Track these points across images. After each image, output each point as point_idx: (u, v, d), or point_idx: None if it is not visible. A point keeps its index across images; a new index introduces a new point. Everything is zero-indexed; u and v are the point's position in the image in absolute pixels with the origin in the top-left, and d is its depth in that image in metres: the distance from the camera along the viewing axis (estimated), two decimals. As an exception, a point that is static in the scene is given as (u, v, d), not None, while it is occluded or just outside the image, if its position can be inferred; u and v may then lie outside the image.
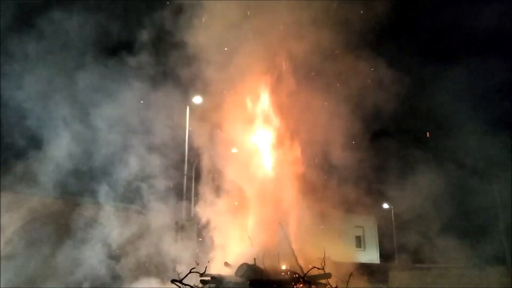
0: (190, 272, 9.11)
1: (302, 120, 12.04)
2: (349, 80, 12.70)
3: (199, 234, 12.13)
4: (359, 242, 26.98)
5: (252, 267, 9.82)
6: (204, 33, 11.60)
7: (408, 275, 16.12)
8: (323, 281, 9.81)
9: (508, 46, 18.12)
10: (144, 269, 11.97)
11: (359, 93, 12.72)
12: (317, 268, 9.66)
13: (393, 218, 27.43)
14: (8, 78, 12.86)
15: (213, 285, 9.65)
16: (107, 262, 11.94)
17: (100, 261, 11.87)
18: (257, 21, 11.57)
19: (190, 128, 16.08)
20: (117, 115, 12.80)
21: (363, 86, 12.95)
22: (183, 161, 16.62)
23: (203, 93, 13.98)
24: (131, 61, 12.95)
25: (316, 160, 12.37)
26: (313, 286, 9.76)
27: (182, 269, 9.64)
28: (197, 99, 15.85)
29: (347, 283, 9.57)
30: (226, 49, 11.63)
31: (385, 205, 28.40)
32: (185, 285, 8.90)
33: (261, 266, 9.95)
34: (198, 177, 14.68)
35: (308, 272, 9.64)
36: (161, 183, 12.90)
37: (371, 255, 26.32)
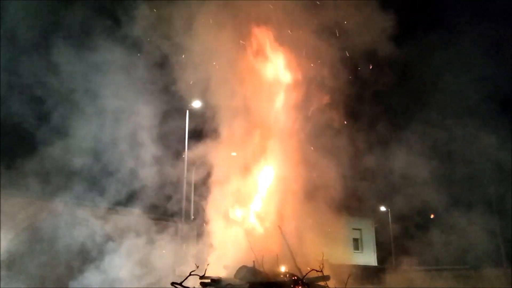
0: (190, 274, 9.15)
1: (301, 122, 12.14)
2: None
3: (199, 236, 12.17)
4: (357, 244, 27.09)
5: (251, 269, 9.86)
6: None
7: (406, 277, 16.18)
8: (322, 283, 9.88)
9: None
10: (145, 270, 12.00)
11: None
12: (316, 270, 9.73)
13: (390, 220, 27.54)
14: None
15: (213, 287, 9.71)
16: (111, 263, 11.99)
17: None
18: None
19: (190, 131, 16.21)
20: (118, 116, 12.90)
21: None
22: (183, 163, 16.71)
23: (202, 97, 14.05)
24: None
25: (315, 162, 12.45)
26: (311, 288, 9.83)
27: (182, 272, 9.72)
28: (196, 103, 15.98)
29: (345, 285, 9.66)
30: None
31: (382, 208, 28.55)
32: (185, 287, 8.95)
33: (260, 268, 10.02)
34: (197, 180, 14.73)
35: (306, 274, 9.70)
36: (161, 186, 12.96)
37: (368, 257, 26.45)
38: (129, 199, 13.67)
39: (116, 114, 12.84)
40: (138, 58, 13.02)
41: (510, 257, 18.13)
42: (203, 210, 12.22)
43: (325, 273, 9.89)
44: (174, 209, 14.05)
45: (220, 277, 9.92)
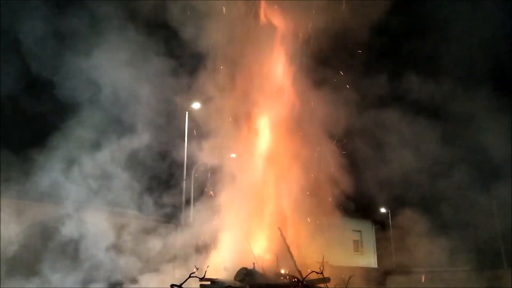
0: (189, 276, 9.12)
1: (301, 124, 12.15)
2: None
3: (198, 238, 12.14)
4: (357, 246, 27.07)
5: (251, 271, 9.86)
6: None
7: (406, 278, 16.16)
8: (322, 285, 9.86)
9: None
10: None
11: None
12: (316, 272, 9.71)
13: (390, 222, 27.55)
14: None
15: (212, 289, 9.69)
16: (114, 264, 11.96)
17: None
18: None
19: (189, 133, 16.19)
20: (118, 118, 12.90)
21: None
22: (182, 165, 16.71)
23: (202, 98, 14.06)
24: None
25: (315, 164, 12.44)
26: (311, 290, 9.81)
27: (182, 274, 9.69)
28: (195, 105, 16.00)
29: (346, 286, 9.64)
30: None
31: (382, 209, 28.56)
32: (185, 289, 8.94)
33: (260, 270, 10.02)
34: (196, 182, 14.72)
35: (307, 276, 9.68)
36: (161, 187, 12.95)
37: (368, 259, 26.42)
38: (128, 201, 13.67)
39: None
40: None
41: (510, 258, 18.12)
42: (203, 212, 12.21)
43: (325, 275, 9.88)
44: (173, 211, 14.04)
45: (220, 279, 9.92)
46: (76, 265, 11.93)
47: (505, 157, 14.70)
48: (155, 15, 12.88)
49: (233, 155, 12.25)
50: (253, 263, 9.99)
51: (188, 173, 17.07)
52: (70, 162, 12.47)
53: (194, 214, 15.11)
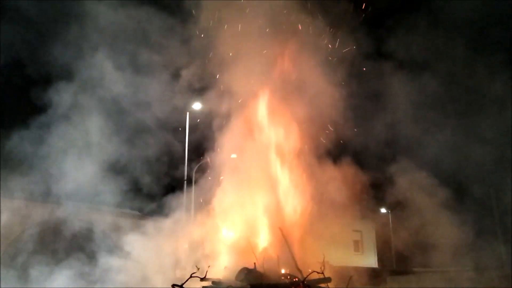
0: (190, 276, 9.16)
1: (302, 124, 12.17)
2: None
3: (199, 238, 12.16)
4: (357, 246, 27.07)
5: (252, 271, 9.88)
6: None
7: (406, 278, 16.20)
8: (323, 285, 9.88)
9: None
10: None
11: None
12: (317, 272, 9.73)
13: (390, 222, 27.53)
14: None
15: (214, 289, 9.72)
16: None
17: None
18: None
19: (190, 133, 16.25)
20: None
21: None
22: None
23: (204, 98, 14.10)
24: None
25: (315, 165, 12.46)
26: (312, 290, 9.82)
27: (183, 274, 9.71)
28: (196, 105, 16.03)
29: (347, 286, 9.66)
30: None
31: (383, 210, 28.52)
32: (186, 289, 8.96)
33: (261, 270, 10.04)
34: (198, 182, 14.74)
35: (307, 276, 9.71)
36: (162, 188, 12.97)
37: (369, 259, 26.40)
38: (129, 200, 13.70)
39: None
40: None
41: (511, 258, 18.11)
42: (204, 212, 12.22)
43: (326, 275, 9.91)
44: (175, 211, 14.03)
45: (221, 279, 9.94)
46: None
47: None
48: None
49: (233, 155, 12.27)
50: (254, 263, 10.02)
51: (190, 173, 17.15)
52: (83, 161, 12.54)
53: (195, 213, 15.14)
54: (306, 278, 9.65)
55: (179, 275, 10.94)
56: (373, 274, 15.28)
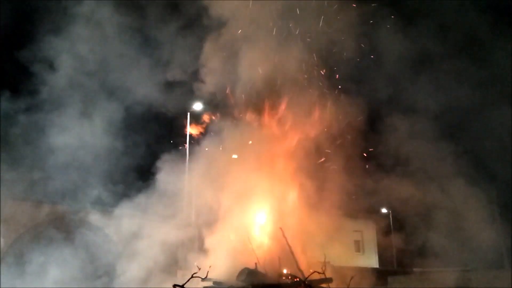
0: (192, 277, 9.15)
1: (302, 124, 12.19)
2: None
3: (201, 239, 12.15)
4: (358, 246, 27.06)
5: (254, 271, 9.89)
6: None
7: (407, 279, 16.16)
8: (324, 285, 9.88)
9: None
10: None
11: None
12: (318, 272, 9.73)
13: (391, 222, 27.52)
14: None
15: (215, 289, 9.72)
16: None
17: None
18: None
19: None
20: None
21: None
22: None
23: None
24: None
25: (316, 165, 12.47)
26: (314, 290, 9.82)
27: (184, 274, 9.71)
28: (197, 106, 16.05)
29: (348, 287, 9.66)
30: None
31: (383, 210, 28.53)
32: (187, 290, 8.94)
33: (262, 270, 10.04)
34: (199, 182, 14.73)
35: (309, 276, 9.71)
36: (162, 187, 12.96)
37: (370, 259, 26.38)
38: (130, 202, 13.71)
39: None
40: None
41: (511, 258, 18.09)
42: (205, 212, 12.22)
43: (327, 275, 9.92)
44: (176, 212, 14.03)
45: (222, 280, 9.94)
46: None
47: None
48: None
49: (235, 156, 12.26)
50: (255, 263, 10.02)
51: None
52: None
53: (196, 214, 15.12)
54: (307, 278, 9.66)
55: (180, 275, 10.94)
56: (374, 274, 15.27)
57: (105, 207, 13.82)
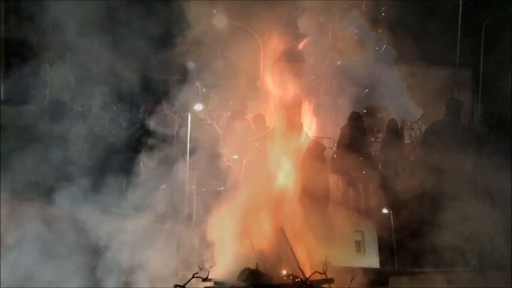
0: (192, 277, 9.17)
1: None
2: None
3: (201, 238, 12.13)
4: (359, 246, 27.03)
5: (254, 271, 9.88)
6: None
7: (409, 279, 16.10)
8: (326, 285, 9.87)
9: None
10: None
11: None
12: (319, 273, 9.72)
13: (392, 222, 27.49)
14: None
15: (216, 290, 9.72)
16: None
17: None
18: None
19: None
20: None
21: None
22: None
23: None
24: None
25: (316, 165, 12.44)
26: (315, 291, 9.81)
27: (184, 274, 9.69)
28: (198, 106, 16.08)
29: (349, 287, 9.64)
30: None
31: (384, 210, 28.51)
32: (188, 290, 8.95)
33: (263, 270, 10.03)
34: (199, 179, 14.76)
35: (310, 276, 9.69)
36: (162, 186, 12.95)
37: (371, 260, 26.30)
38: (129, 202, 13.68)
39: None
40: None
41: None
42: (205, 211, 12.21)
43: (328, 275, 9.90)
44: (176, 210, 14.00)
45: (223, 280, 9.93)
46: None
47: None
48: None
49: (235, 156, 12.26)
50: (256, 263, 10.01)
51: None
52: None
53: (196, 213, 15.09)
54: (308, 278, 9.64)
55: (181, 276, 10.93)
56: (375, 275, 15.24)
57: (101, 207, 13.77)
